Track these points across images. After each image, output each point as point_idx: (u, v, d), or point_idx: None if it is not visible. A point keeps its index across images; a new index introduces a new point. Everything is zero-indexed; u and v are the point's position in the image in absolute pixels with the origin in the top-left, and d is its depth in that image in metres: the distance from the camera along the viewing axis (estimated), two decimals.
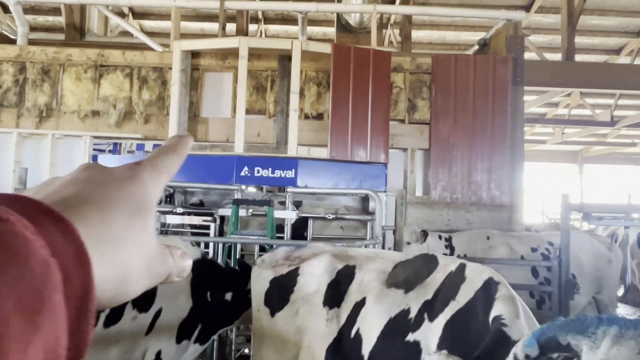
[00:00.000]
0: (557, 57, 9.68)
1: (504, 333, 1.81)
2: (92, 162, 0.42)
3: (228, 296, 3.06)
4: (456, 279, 2.22)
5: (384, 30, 10.03)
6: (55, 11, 9.54)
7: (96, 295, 0.31)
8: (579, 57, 9.43)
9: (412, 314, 2.25)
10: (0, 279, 0.25)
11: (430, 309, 2.20)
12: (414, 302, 2.29)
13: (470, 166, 6.47)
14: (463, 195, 6.44)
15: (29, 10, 9.01)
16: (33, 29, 7.83)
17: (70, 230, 0.31)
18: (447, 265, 2.35)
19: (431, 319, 2.17)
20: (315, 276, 2.74)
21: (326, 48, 6.26)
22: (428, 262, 2.45)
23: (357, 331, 2.40)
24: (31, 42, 7.14)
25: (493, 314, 1.92)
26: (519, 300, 1.97)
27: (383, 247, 5.29)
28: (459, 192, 6.45)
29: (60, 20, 8.84)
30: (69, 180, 0.39)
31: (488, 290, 2.05)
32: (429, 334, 2.12)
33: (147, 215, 0.39)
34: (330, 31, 10.25)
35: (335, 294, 2.62)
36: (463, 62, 6.64)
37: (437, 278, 2.32)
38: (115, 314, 2.82)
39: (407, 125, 6.66)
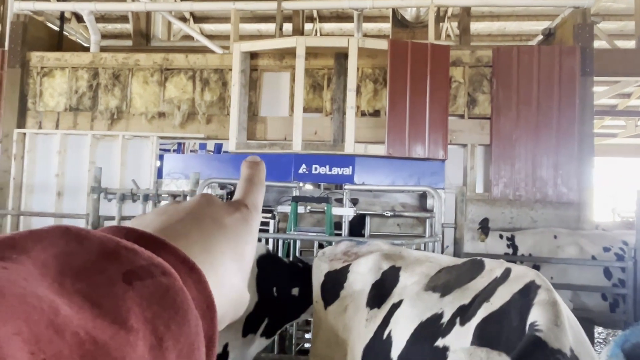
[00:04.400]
0: (630, 44, 9.08)
1: (539, 338, 1.61)
2: (210, 195, 0.45)
3: (295, 291, 3.12)
4: (498, 282, 2.07)
5: (441, 24, 9.81)
6: (123, 19, 10.10)
7: None
8: None
9: (445, 319, 2.11)
10: (167, 335, 0.27)
11: (464, 313, 2.05)
12: (448, 306, 2.16)
13: (534, 162, 6.22)
14: (527, 192, 6.20)
15: (99, 19, 9.58)
16: (103, 36, 8.32)
17: (202, 280, 0.32)
18: (492, 270, 2.19)
19: (462, 323, 2.01)
20: (361, 275, 2.73)
21: (383, 44, 6.22)
22: (474, 267, 2.31)
23: (389, 333, 2.33)
24: (102, 49, 7.60)
25: (530, 320, 1.73)
26: (562, 306, 1.77)
27: (442, 245, 5.20)
28: (523, 189, 6.21)
29: (128, 27, 9.35)
30: (192, 215, 0.41)
31: (527, 293, 1.86)
32: (459, 339, 1.97)
33: (246, 261, 0.42)
34: (386, 27, 10.16)
35: (377, 294, 2.58)
36: (526, 54, 6.38)
37: (479, 283, 2.17)
38: None
39: (466, 121, 6.49)
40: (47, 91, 7.06)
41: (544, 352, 1.58)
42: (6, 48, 7.21)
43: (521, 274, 2.04)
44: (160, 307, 0.28)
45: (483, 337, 1.90)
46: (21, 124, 7.03)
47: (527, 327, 1.74)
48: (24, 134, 6.96)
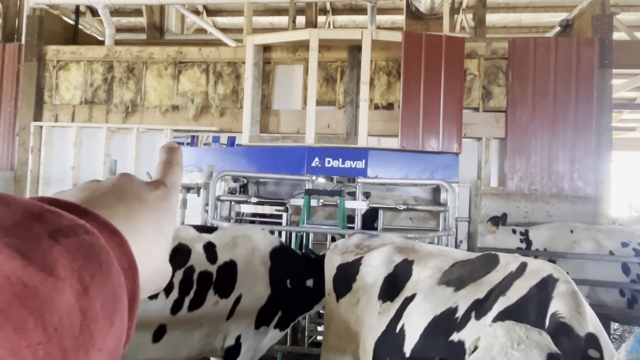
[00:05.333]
0: None
1: (564, 324, 1.60)
2: (130, 174, 0.47)
3: (309, 282, 3.12)
4: (513, 276, 2.05)
5: (455, 16, 9.68)
6: (137, 12, 10.14)
7: None
8: None
9: (460, 313, 2.10)
10: (92, 284, 0.30)
11: (479, 307, 2.03)
12: (462, 300, 2.14)
13: (550, 155, 6.13)
14: (543, 186, 6.11)
15: (113, 12, 9.63)
16: (118, 30, 8.37)
17: (124, 243, 0.35)
18: (507, 265, 2.17)
19: (478, 318, 1.99)
20: (373, 267, 2.72)
21: (397, 37, 6.16)
22: (488, 262, 2.29)
23: (402, 327, 2.32)
24: (117, 43, 7.65)
25: (550, 311, 1.72)
26: (582, 298, 1.76)
27: (456, 239, 5.16)
28: (538, 183, 6.13)
29: (142, 20, 9.38)
30: (114, 190, 0.42)
31: (545, 287, 1.84)
32: (474, 334, 1.94)
33: (167, 235, 0.44)
34: (399, 19, 10.06)
35: (390, 287, 2.57)
36: (543, 46, 6.27)
37: (493, 278, 2.15)
38: (199, 299, 2.98)
39: (481, 114, 6.42)
40: (63, 84, 7.14)
41: (569, 337, 1.56)
42: (23, 42, 7.29)
43: (538, 268, 2.03)
44: (86, 261, 0.30)
45: None
46: (38, 116, 7.12)
47: (547, 319, 1.73)
48: (41, 126, 7.05)
